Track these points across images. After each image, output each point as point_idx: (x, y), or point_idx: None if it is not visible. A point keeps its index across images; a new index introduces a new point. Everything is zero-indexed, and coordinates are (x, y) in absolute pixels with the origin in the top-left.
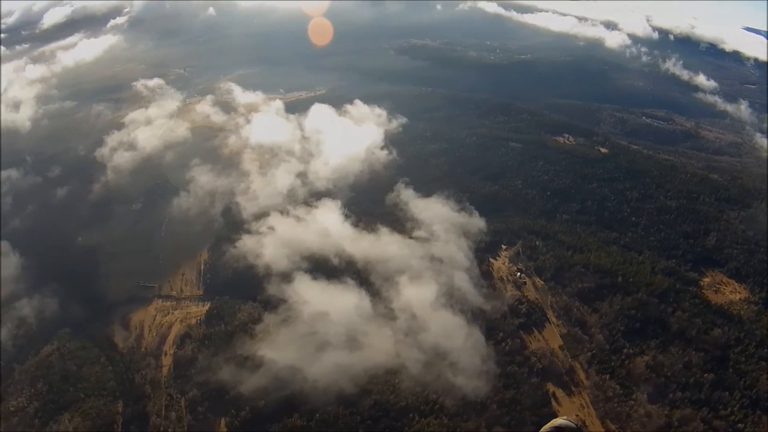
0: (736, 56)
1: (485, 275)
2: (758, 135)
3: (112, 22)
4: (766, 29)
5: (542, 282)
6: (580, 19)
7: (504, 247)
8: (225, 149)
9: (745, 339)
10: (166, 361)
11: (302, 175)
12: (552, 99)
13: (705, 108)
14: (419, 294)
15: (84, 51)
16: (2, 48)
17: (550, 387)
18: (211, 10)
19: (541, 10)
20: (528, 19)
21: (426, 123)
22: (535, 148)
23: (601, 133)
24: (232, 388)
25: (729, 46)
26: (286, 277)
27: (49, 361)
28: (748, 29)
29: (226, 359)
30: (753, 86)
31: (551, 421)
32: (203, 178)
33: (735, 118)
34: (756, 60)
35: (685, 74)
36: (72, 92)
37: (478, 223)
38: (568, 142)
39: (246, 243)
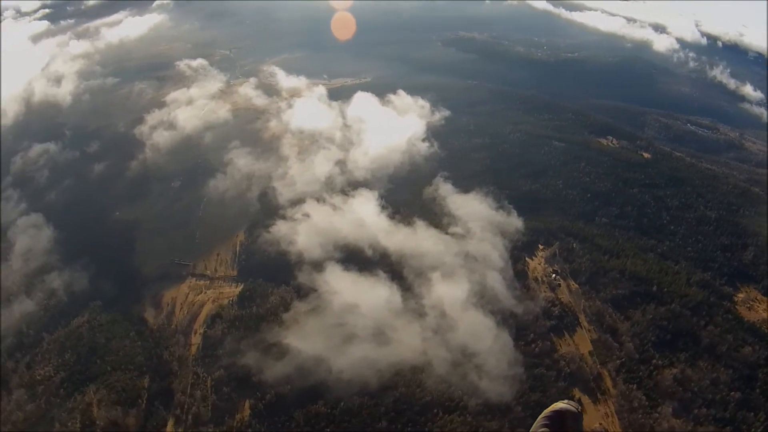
0: None
1: (520, 274)
2: None
3: (158, 1)
4: None
5: (577, 285)
6: (629, 20)
7: (541, 246)
8: (265, 133)
9: None
10: (195, 339)
11: (341, 163)
12: (597, 99)
13: (750, 119)
14: (451, 292)
15: (129, 28)
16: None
17: (576, 392)
18: None
19: (589, 9)
20: (576, 17)
21: (470, 116)
22: (578, 149)
23: (644, 138)
24: (258, 372)
25: None
26: (318, 265)
27: (79, 332)
28: None
29: (254, 342)
30: None
31: (552, 405)
32: (242, 160)
33: None
34: None
35: (732, 83)
36: (114, 69)
37: (515, 222)
38: (611, 145)
39: (281, 229)
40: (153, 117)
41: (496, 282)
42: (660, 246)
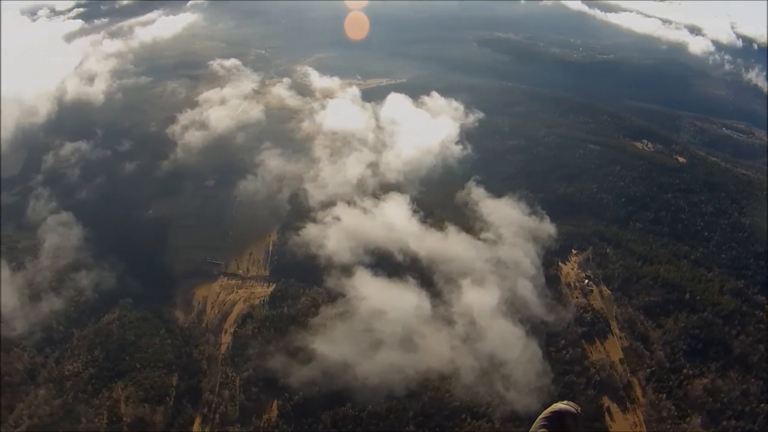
0: None
1: (553, 279)
2: None
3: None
4: None
5: (609, 291)
6: (664, 21)
7: (574, 251)
8: (297, 134)
9: None
10: (225, 339)
11: (373, 166)
12: (632, 102)
13: None
14: (481, 299)
15: (162, 28)
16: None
17: (606, 401)
18: None
19: (625, 10)
20: (612, 18)
21: (504, 118)
22: (614, 152)
23: (680, 142)
24: (287, 373)
25: None
26: (347, 270)
27: (109, 329)
28: None
29: (284, 343)
30: None
31: (551, 406)
32: (273, 161)
33: None
34: None
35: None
36: (147, 68)
37: (548, 228)
38: (646, 149)
39: (311, 232)
40: (185, 116)
41: (527, 290)
42: (694, 252)
